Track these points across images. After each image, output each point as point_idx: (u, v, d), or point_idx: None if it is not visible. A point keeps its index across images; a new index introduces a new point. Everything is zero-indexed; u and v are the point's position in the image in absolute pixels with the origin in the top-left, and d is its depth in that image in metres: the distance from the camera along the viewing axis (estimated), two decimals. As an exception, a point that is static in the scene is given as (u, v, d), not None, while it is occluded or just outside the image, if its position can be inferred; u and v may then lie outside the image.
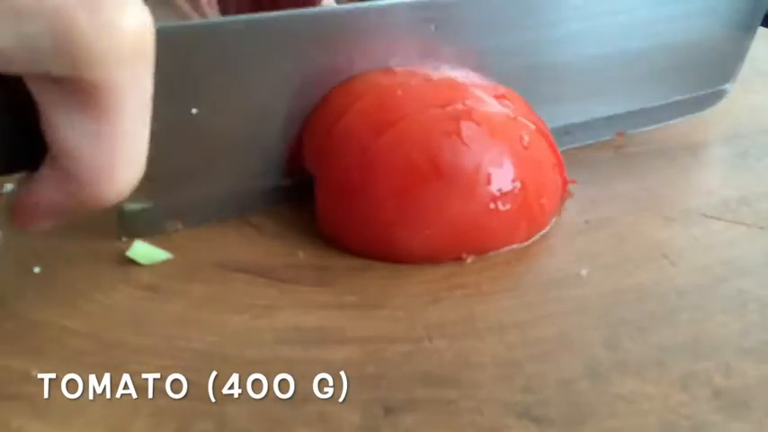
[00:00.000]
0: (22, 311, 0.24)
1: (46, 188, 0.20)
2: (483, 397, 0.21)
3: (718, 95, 0.39)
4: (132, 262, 0.27)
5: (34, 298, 0.25)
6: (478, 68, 0.31)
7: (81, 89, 0.18)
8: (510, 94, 0.30)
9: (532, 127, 0.28)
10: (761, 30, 0.52)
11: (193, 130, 0.27)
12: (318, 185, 0.29)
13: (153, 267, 0.27)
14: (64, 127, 0.19)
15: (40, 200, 0.21)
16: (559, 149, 0.30)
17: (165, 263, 0.27)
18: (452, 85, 0.29)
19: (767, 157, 0.35)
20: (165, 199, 0.28)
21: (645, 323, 0.24)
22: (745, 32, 0.37)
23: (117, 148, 0.19)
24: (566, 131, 0.34)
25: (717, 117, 0.39)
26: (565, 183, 0.30)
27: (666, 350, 0.23)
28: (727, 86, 0.39)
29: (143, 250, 0.27)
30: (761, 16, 0.37)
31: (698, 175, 0.33)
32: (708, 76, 0.38)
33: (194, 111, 0.27)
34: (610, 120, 0.36)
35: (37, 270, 0.26)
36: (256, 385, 0.22)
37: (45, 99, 0.19)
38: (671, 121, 0.38)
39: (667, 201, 0.31)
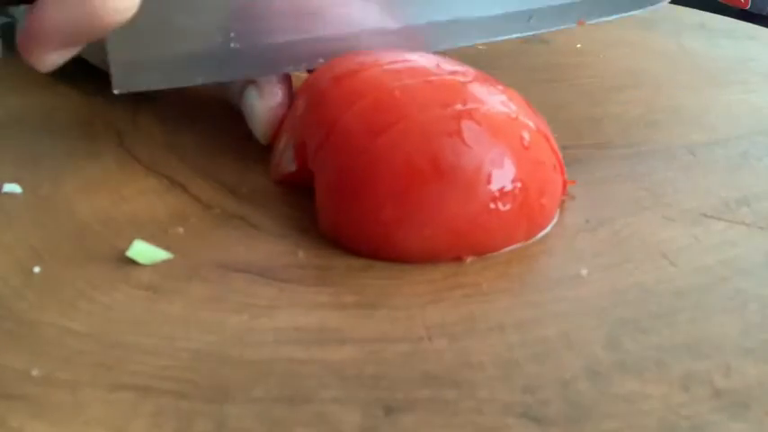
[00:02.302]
0: (21, 311, 0.24)
1: (48, 8, 0.22)
2: (483, 397, 0.21)
3: None
4: (132, 262, 0.27)
5: (34, 298, 0.25)
6: None
7: None
8: (510, 93, 0.30)
9: (533, 127, 0.28)
10: (761, 30, 0.52)
11: None
12: (318, 185, 0.29)
13: (153, 267, 0.27)
14: None
15: (45, 23, 0.22)
16: (524, 35, 0.32)
17: (165, 263, 0.27)
18: (452, 85, 0.29)
19: (767, 157, 0.35)
20: (153, 49, 0.30)
21: (645, 323, 0.24)
22: None
23: None
24: (529, 16, 0.36)
25: (716, 116, 0.39)
26: (565, 183, 0.30)
27: (666, 350, 0.23)
28: None
29: (143, 250, 0.27)
30: None
31: (698, 175, 0.33)
32: None
33: None
34: (568, 7, 0.38)
35: (37, 270, 0.26)
36: (256, 385, 0.22)
37: None
38: (625, 14, 0.39)
39: (667, 201, 0.31)
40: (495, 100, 0.29)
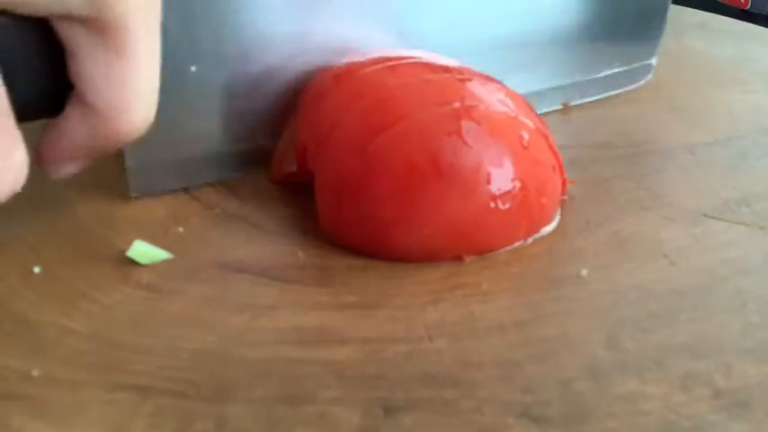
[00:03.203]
0: (22, 311, 0.24)
1: (70, 125, 0.23)
2: (483, 397, 0.21)
3: (646, 69, 0.42)
4: (132, 262, 0.27)
5: (34, 298, 0.25)
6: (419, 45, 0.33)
7: (100, 28, 0.21)
8: (509, 92, 0.30)
9: (532, 126, 0.28)
10: (761, 30, 0.52)
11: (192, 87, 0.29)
12: (318, 185, 0.29)
13: (153, 267, 0.27)
14: (86, 63, 0.22)
15: (66, 138, 0.23)
16: None
17: (165, 263, 0.27)
18: (452, 84, 0.29)
19: (767, 157, 0.35)
20: (166, 154, 0.30)
21: (645, 323, 0.24)
22: (657, 10, 0.42)
23: (132, 82, 0.22)
24: None
25: (717, 117, 0.39)
26: (565, 183, 0.30)
27: (666, 350, 0.23)
28: (652, 61, 0.42)
29: (143, 250, 0.27)
30: None
31: (698, 175, 0.33)
32: (633, 50, 0.41)
33: (193, 68, 0.29)
34: (553, 91, 0.39)
35: (37, 270, 0.26)
36: (256, 385, 0.22)
37: (69, 38, 0.22)
38: (608, 94, 0.41)
39: (667, 201, 0.31)
40: (494, 99, 0.29)
